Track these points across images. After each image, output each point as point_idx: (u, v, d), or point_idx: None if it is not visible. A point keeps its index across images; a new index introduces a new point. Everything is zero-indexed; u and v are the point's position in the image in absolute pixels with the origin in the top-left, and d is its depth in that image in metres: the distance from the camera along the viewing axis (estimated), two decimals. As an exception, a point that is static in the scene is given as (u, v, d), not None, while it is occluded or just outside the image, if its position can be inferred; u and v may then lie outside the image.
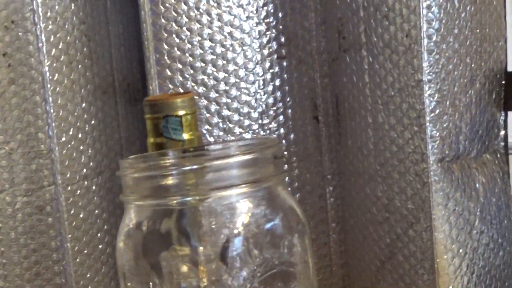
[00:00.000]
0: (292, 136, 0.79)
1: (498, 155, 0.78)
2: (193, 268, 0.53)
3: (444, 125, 0.72)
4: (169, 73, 0.76)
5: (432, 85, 0.71)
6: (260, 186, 0.53)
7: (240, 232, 0.52)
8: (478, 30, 0.73)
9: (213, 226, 0.52)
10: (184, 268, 0.53)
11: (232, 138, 0.76)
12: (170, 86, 0.75)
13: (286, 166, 0.78)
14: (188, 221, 0.53)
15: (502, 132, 0.78)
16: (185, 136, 0.58)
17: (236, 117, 0.77)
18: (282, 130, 0.79)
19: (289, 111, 0.79)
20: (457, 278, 0.74)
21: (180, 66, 0.76)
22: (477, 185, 0.75)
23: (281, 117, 0.79)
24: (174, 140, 0.58)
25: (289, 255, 0.53)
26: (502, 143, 0.78)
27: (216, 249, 0.53)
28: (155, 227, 0.52)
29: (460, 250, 0.74)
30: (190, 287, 0.53)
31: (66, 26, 0.75)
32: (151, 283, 0.53)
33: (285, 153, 0.79)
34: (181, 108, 0.58)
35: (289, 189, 0.79)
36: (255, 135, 0.76)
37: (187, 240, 0.53)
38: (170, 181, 0.52)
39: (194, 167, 0.52)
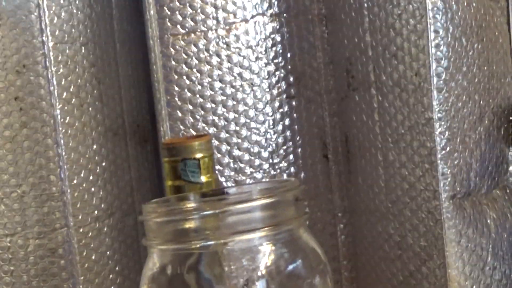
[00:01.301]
0: (302, 175, 0.80)
1: (508, 191, 0.79)
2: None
3: (455, 162, 0.72)
4: (180, 114, 0.76)
5: (443, 123, 0.71)
6: (282, 229, 0.53)
7: (263, 275, 0.52)
8: (485, 68, 0.74)
9: (235, 270, 0.52)
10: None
11: (244, 178, 0.76)
12: (181, 127, 0.76)
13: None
14: (210, 264, 0.53)
15: (511, 168, 0.79)
16: (203, 178, 0.58)
17: (246, 156, 0.78)
18: (292, 169, 0.80)
19: (299, 150, 0.80)
20: (471, 314, 0.74)
21: (191, 107, 0.76)
22: (489, 221, 0.75)
23: (291, 156, 0.80)
24: (193, 183, 0.58)
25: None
26: (511, 179, 0.79)
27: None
28: (179, 271, 0.53)
29: (474, 287, 0.74)
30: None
31: (77, 70, 0.76)
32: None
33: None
34: (198, 151, 0.58)
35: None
36: (263, 177, 0.77)
37: (210, 284, 0.53)
38: (191, 225, 0.52)
39: (216, 211, 0.52)
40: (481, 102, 0.74)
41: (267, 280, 0.52)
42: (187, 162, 0.58)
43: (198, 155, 0.59)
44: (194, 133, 0.75)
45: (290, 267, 0.53)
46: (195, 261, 0.53)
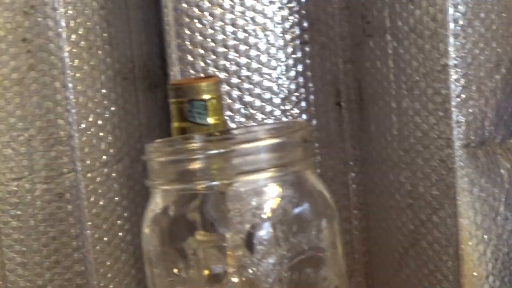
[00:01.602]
0: (314, 122, 0.79)
1: (523, 141, 0.77)
2: (219, 254, 0.52)
3: (470, 111, 0.71)
4: (191, 58, 0.75)
5: (458, 70, 0.70)
6: (288, 170, 0.52)
7: (268, 217, 0.51)
8: (504, 14, 0.72)
9: (240, 211, 0.51)
10: (211, 254, 0.52)
11: (255, 124, 0.75)
12: (192, 71, 0.75)
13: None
14: (215, 206, 0.52)
15: (527, 118, 0.77)
16: (210, 120, 0.57)
17: (258, 103, 0.76)
18: (304, 116, 0.78)
19: (312, 97, 0.78)
20: (481, 265, 0.73)
21: (202, 51, 0.75)
22: (502, 171, 0.74)
23: (303, 103, 0.78)
24: (199, 124, 0.57)
25: (317, 240, 0.52)
26: (527, 129, 0.78)
27: (243, 235, 0.52)
28: (182, 212, 0.52)
29: (485, 236, 0.73)
30: (216, 273, 0.52)
31: (86, 11, 0.75)
32: (176, 269, 0.53)
33: (308, 139, 0.78)
34: (206, 92, 0.57)
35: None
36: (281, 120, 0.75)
37: (213, 226, 0.52)
38: (196, 165, 0.51)
39: (221, 151, 0.51)
40: (499, 50, 0.72)
41: (273, 222, 0.51)
42: (194, 103, 0.56)
43: (206, 96, 0.57)
44: (212, 75, 0.74)
45: (296, 209, 0.52)
46: (199, 202, 0.52)
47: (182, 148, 0.52)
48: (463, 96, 0.70)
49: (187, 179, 0.52)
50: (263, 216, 0.52)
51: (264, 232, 0.52)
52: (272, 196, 0.52)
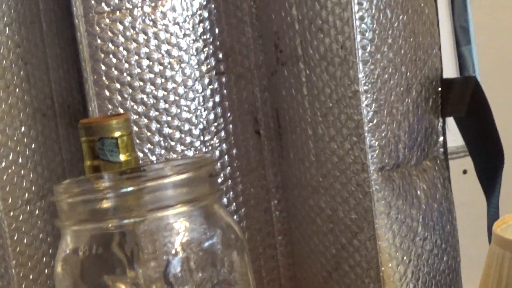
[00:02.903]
0: (234, 151, 0.80)
1: (438, 161, 0.79)
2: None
3: (383, 134, 0.72)
4: (107, 93, 0.75)
5: (369, 95, 0.71)
6: (196, 205, 0.53)
7: (179, 252, 0.52)
8: (411, 39, 0.74)
9: (152, 248, 0.52)
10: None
11: (174, 156, 0.76)
12: (110, 106, 0.75)
13: (229, 181, 0.78)
14: (127, 244, 0.52)
15: (441, 138, 0.79)
16: (122, 157, 0.57)
17: (177, 134, 0.77)
18: (224, 146, 0.79)
19: (230, 126, 0.79)
20: (402, 286, 0.74)
21: (118, 86, 0.75)
22: (419, 192, 0.75)
23: (222, 133, 0.79)
24: (111, 162, 0.57)
25: (228, 273, 0.53)
26: (442, 149, 0.79)
27: (156, 271, 0.52)
28: (93, 252, 0.52)
29: (405, 258, 0.74)
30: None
31: (2, 51, 0.74)
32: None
33: (228, 168, 0.79)
34: (116, 130, 0.58)
35: (234, 204, 0.79)
36: (195, 154, 0.76)
37: (127, 263, 0.53)
38: (105, 204, 0.52)
39: (129, 189, 0.51)
40: (408, 74, 0.74)
41: (184, 257, 0.52)
42: (105, 141, 0.57)
43: (116, 134, 0.58)
44: (122, 112, 0.75)
45: (206, 243, 0.52)
46: (108, 241, 0.52)
47: (90, 188, 0.53)
48: (375, 120, 0.72)
49: (97, 218, 0.52)
50: (174, 251, 0.52)
51: (176, 266, 0.52)
52: (181, 231, 0.52)
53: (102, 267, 0.53)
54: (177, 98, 0.77)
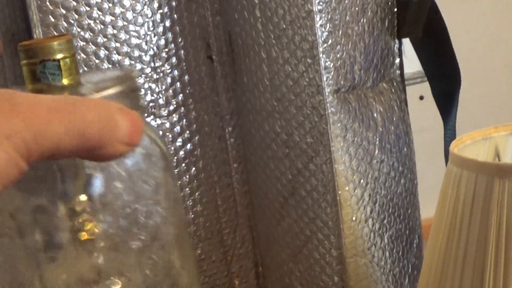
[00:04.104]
0: (186, 77, 0.77)
1: (395, 83, 0.77)
2: (63, 216, 0.50)
3: (338, 55, 0.71)
4: (52, 19, 0.72)
5: (323, 15, 0.69)
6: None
7: (100, 171, 0.50)
8: (366, -43, 0.72)
9: (74, 169, 0.50)
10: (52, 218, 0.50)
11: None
12: (55, 33, 0.72)
13: (182, 108, 0.76)
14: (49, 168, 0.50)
15: (397, 60, 0.78)
16: (65, 81, 0.55)
17: (127, 61, 0.75)
18: (176, 72, 0.77)
19: (182, 52, 0.77)
20: (360, 209, 0.73)
21: (63, 11, 0.72)
22: (375, 114, 0.74)
23: (173, 59, 0.77)
24: (54, 85, 0.55)
25: (153, 192, 0.51)
26: (398, 71, 0.78)
27: (79, 193, 0.50)
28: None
29: (362, 181, 0.73)
30: (59, 237, 0.50)
31: None
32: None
33: (181, 95, 0.77)
34: (58, 52, 0.55)
35: (187, 131, 0.77)
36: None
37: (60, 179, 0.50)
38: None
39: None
40: (363, -7, 0.72)
41: (105, 177, 0.50)
42: (46, 63, 0.54)
43: (58, 56, 0.55)
44: (65, 33, 0.72)
45: (129, 162, 0.50)
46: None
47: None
48: (330, 41, 0.70)
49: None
50: (95, 171, 0.50)
51: (98, 187, 0.50)
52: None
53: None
54: (125, 23, 0.74)
